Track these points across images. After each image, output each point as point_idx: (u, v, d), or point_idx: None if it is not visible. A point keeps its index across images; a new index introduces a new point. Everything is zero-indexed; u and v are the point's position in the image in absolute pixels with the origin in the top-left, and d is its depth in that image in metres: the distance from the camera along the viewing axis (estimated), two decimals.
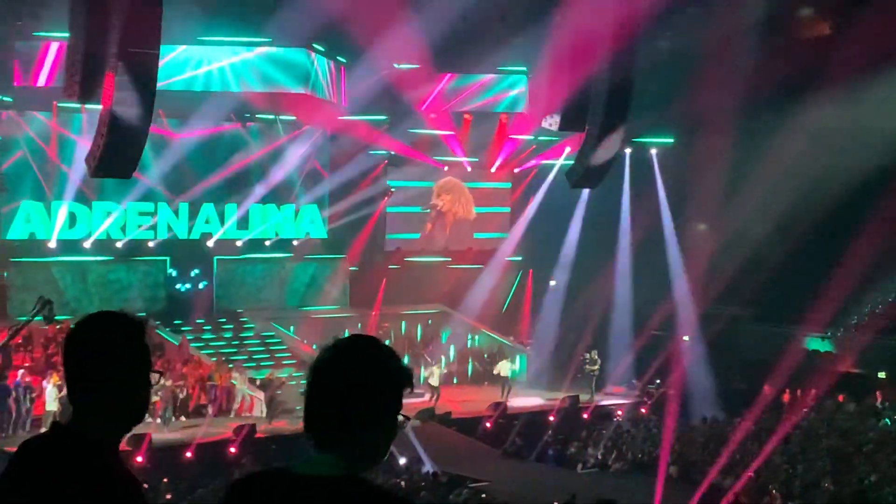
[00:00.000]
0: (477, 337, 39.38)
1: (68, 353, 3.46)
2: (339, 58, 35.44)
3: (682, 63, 32.79)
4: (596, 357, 35.67)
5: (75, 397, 3.46)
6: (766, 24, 31.81)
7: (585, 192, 36.38)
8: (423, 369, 33.82)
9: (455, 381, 37.25)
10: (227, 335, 35.28)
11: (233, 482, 3.33)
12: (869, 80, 31.13)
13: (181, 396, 30.14)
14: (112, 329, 3.45)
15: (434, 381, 33.21)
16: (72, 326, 3.49)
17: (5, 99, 32.09)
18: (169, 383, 29.25)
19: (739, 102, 32.88)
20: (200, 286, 36.47)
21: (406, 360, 36.49)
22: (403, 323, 38.42)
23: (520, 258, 41.28)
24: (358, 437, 3.16)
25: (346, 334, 3.32)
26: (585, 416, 33.14)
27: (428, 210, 40.58)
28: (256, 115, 36.05)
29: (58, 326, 29.76)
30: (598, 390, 35.52)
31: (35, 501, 3.32)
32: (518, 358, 38.31)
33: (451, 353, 38.37)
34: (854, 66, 30.51)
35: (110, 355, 3.41)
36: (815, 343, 36.60)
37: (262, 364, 33.13)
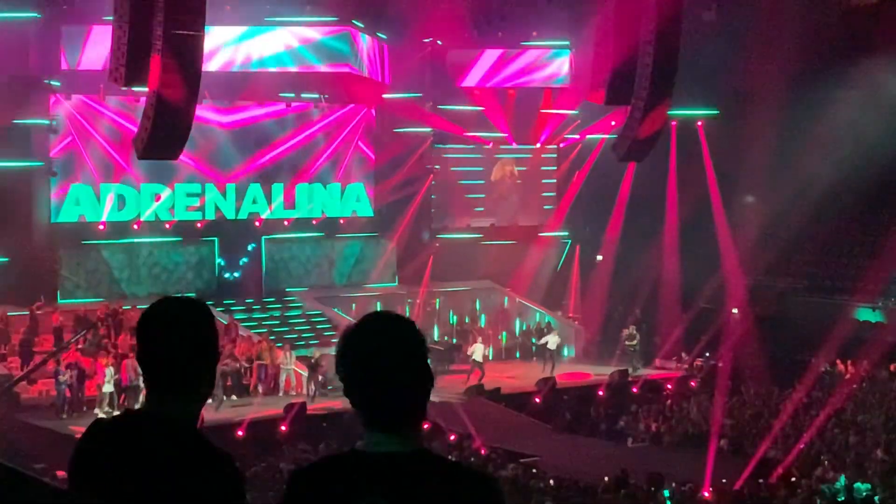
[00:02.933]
0: (525, 312, 39.31)
1: (144, 338, 3.56)
2: (381, 35, 35.46)
3: (729, 34, 32.52)
4: (634, 332, 35.43)
5: (152, 380, 3.55)
6: None
7: (631, 165, 36.12)
8: (470, 345, 33.79)
9: (503, 356, 37.20)
10: (276, 314, 35.45)
11: (295, 470, 3.32)
12: None
13: (231, 376, 30.24)
14: (185, 314, 3.56)
15: (478, 357, 33.13)
16: (144, 313, 3.57)
17: (53, 83, 32.37)
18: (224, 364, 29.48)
19: (786, 72, 32.58)
20: (248, 266, 36.68)
21: (454, 337, 36.29)
22: (451, 299, 38.39)
23: (566, 233, 41.12)
24: (421, 413, 3.24)
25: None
26: (635, 390, 33.02)
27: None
28: (301, 95, 36.10)
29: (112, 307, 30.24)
30: (648, 364, 35.38)
31: (132, 483, 3.39)
32: (566, 333, 38.23)
33: (499, 328, 38.32)
34: None
35: (187, 340, 3.51)
36: (866, 314, 36.26)
37: (310, 343, 33.21)
